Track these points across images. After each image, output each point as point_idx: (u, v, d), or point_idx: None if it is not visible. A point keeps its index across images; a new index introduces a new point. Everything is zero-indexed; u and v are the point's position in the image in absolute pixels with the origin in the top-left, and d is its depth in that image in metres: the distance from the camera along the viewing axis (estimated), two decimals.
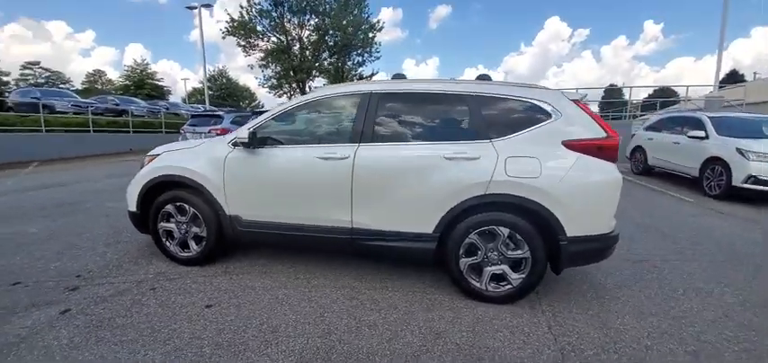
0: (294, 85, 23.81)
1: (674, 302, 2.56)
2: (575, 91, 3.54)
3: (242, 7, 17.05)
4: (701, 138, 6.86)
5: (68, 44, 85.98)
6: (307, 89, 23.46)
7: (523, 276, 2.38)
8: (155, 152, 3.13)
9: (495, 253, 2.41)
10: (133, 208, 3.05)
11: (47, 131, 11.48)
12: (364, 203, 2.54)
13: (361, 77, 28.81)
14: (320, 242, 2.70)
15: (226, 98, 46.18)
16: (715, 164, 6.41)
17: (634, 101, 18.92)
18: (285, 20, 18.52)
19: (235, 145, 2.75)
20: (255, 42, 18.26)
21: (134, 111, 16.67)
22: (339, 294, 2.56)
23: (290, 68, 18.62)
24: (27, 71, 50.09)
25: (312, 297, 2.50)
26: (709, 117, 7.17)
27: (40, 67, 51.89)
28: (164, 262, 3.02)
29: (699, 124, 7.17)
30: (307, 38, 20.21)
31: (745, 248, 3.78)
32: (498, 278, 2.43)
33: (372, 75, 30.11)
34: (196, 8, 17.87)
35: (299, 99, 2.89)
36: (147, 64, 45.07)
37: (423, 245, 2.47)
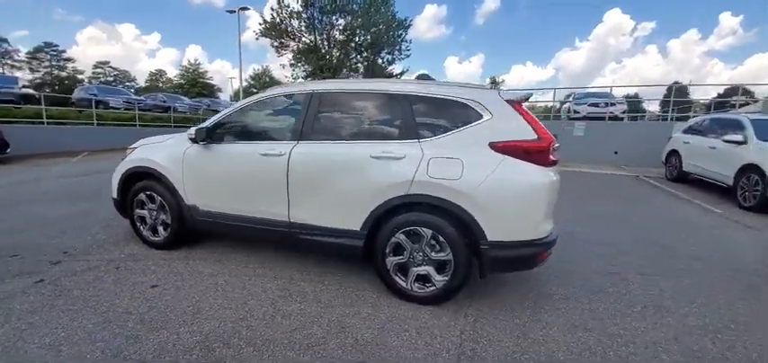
0: None
1: (621, 318, 2.36)
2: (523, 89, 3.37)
3: (273, 10, 18.00)
4: (739, 143, 6.09)
5: (136, 45, 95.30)
6: None
7: (446, 279, 2.34)
8: (134, 145, 3.47)
9: (421, 254, 2.39)
10: (115, 195, 3.42)
11: (98, 125, 13.00)
12: (300, 199, 2.64)
13: (390, 75, 28.95)
14: (264, 234, 2.85)
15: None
16: (751, 173, 5.66)
17: (702, 102, 17.01)
18: (315, 20, 19.14)
19: (191, 140, 2.99)
20: (287, 43, 19.08)
21: (178, 108, 18.21)
22: (274, 284, 2.69)
23: (319, 67, 19.21)
24: (98, 70, 56.40)
25: (247, 286, 2.65)
26: (750, 119, 6.33)
27: (110, 67, 58.08)
28: (137, 245, 3.35)
29: (738, 126, 6.36)
30: (336, 37, 20.69)
31: (752, 266, 3.35)
32: (424, 278, 2.41)
33: (402, 73, 30.10)
34: (235, 12, 19.09)
35: (251, 98, 3.06)
36: (199, 64, 48.83)
37: (351, 242, 2.52)
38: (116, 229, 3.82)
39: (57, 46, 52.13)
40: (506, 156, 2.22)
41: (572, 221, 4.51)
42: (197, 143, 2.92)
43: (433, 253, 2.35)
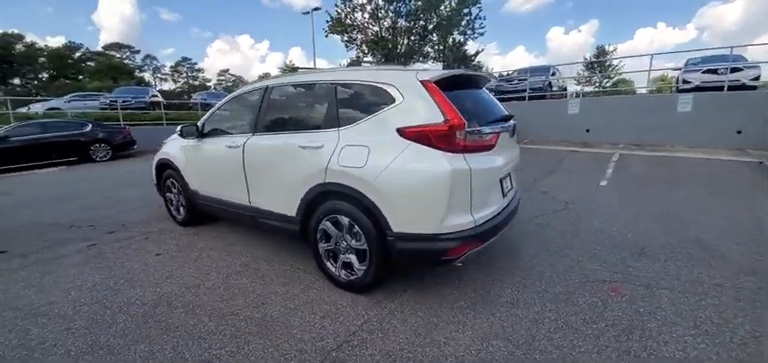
0: None
1: (563, 335, 2.01)
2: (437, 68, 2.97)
3: (337, 6, 18.92)
4: None
5: (251, 53, 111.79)
6: None
7: (364, 267, 2.34)
8: (166, 140, 4.27)
9: (344, 242, 2.43)
10: (154, 180, 4.29)
11: None
12: (255, 186, 2.93)
13: (464, 57, 27.58)
14: (236, 216, 3.25)
15: None
16: None
17: None
18: (379, 10, 19.41)
19: (180, 135, 3.55)
20: (355, 36, 19.89)
21: None
22: (239, 260, 3.06)
23: (386, 57, 19.51)
24: (221, 77, 67.56)
25: (218, 260, 3.08)
26: None
27: (229, 73, 68.99)
28: (168, 222, 4.15)
29: None
30: (400, 25, 20.63)
31: None
32: (349, 266, 2.45)
33: (477, 53, 28.34)
34: (309, 13, 20.75)
35: (228, 96, 3.46)
36: (294, 65, 54.41)
37: (291, 226, 2.70)
38: (163, 209, 4.77)
39: (191, 59, 64.20)
40: (411, 142, 2.08)
41: (604, 212, 3.82)
42: (183, 137, 3.48)
43: (353, 242, 2.37)
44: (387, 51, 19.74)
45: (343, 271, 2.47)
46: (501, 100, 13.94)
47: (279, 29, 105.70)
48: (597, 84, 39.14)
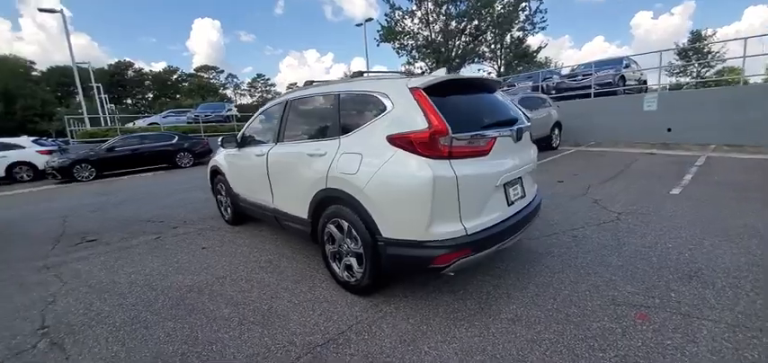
0: None
1: (560, 358, 1.85)
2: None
3: (387, 15, 19.24)
4: None
5: (317, 66, 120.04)
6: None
7: (362, 270, 2.42)
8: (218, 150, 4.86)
9: (345, 245, 2.54)
10: (209, 184, 4.90)
11: None
12: (277, 191, 3.21)
13: (524, 55, 25.92)
14: (265, 217, 3.58)
15: None
16: None
17: None
18: (429, 14, 19.29)
19: (222, 146, 4.01)
20: (406, 43, 20.03)
21: None
22: (265, 258, 3.35)
23: (437, 61, 19.28)
24: (289, 90, 73.30)
25: (248, 255, 3.43)
26: None
27: (297, 86, 74.72)
28: (220, 221, 4.71)
29: None
30: (452, 27, 20.20)
31: None
32: (350, 268, 2.55)
33: (539, 49, 26.44)
34: (361, 25, 21.53)
35: (259, 110, 3.82)
36: (351, 72, 56.91)
37: (304, 228, 2.90)
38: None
39: (264, 75, 70.85)
40: (398, 149, 2.11)
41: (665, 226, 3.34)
42: (225, 148, 3.93)
43: (352, 245, 2.46)
44: (438, 55, 19.55)
45: (346, 273, 2.57)
46: (561, 98, 12.87)
47: (341, 41, 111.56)
48: (694, 75, 33.60)
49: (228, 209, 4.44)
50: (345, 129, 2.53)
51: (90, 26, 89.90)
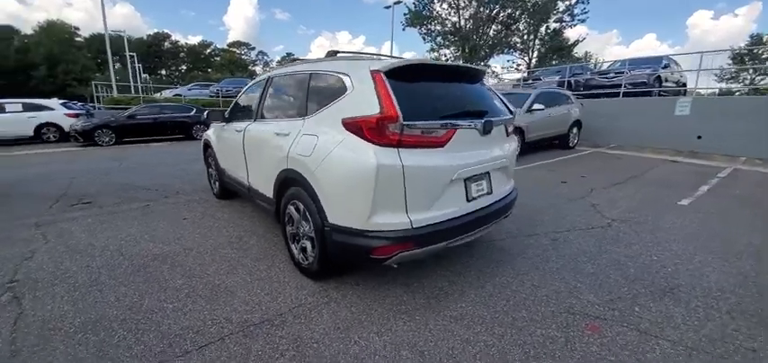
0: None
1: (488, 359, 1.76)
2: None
3: None
4: None
5: (348, 48, 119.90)
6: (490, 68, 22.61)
7: (313, 255, 2.39)
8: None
9: (302, 228, 2.52)
10: (203, 157, 5.01)
11: None
12: (251, 168, 3.23)
13: (560, 47, 24.70)
14: (242, 193, 3.61)
15: None
16: None
17: None
18: (460, 0, 18.60)
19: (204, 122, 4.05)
20: (433, 28, 19.48)
21: None
22: (236, 233, 3.40)
23: (463, 49, 18.68)
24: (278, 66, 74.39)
25: (223, 229, 3.48)
26: None
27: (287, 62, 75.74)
28: (210, 194, 4.82)
29: None
30: (482, 14, 19.41)
31: None
32: (305, 250, 2.53)
33: (576, 42, 25.11)
34: (390, 7, 21.10)
35: (245, 87, 3.81)
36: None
37: (270, 207, 2.90)
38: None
39: (293, 55, 71.69)
40: (349, 134, 2.04)
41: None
42: (211, 121, 3.97)
43: (307, 228, 2.43)
44: (464, 42, 18.92)
45: (301, 255, 2.55)
46: (589, 96, 12.19)
47: (375, 23, 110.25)
48: (747, 82, 30.98)
49: (216, 183, 4.53)
50: (310, 109, 2.48)
51: None
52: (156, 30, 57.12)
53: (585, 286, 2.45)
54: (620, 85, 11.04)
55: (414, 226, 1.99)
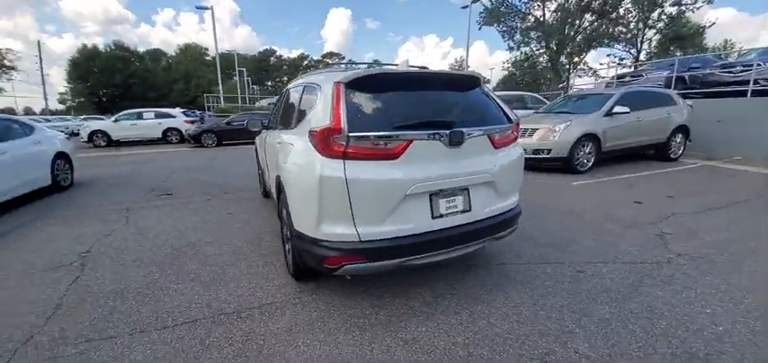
0: (567, 62, 21.12)
1: None
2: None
3: None
4: None
5: (435, 51, 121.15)
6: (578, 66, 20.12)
7: (290, 257, 2.54)
8: None
9: (287, 231, 2.69)
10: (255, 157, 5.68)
11: None
12: (268, 172, 3.58)
13: (678, 36, 20.44)
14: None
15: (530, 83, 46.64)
16: None
17: None
18: None
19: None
20: (513, 24, 18.01)
21: None
22: (258, 232, 3.78)
23: (547, 45, 16.84)
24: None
25: (251, 226, 3.92)
26: None
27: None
28: (259, 193, 5.43)
29: None
30: (570, 4, 17.19)
31: None
32: (288, 253, 2.69)
33: (701, 30, 20.48)
34: (467, 6, 20.44)
35: (276, 97, 4.20)
36: (463, 59, 54.82)
37: (277, 208, 3.18)
38: None
39: (378, 61, 75.22)
40: (309, 144, 2.12)
41: None
42: (251, 128, 4.49)
43: (287, 232, 2.59)
44: (549, 38, 17.09)
45: (289, 256, 2.73)
46: (709, 95, 9.79)
47: (462, 25, 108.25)
48: None
49: (261, 183, 5.10)
50: (297, 120, 2.65)
51: (253, 17, 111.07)
52: (265, 47, 66.51)
53: (584, 333, 2.04)
54: (748, 82, 8.61)
55: (362, 239, 1.97)
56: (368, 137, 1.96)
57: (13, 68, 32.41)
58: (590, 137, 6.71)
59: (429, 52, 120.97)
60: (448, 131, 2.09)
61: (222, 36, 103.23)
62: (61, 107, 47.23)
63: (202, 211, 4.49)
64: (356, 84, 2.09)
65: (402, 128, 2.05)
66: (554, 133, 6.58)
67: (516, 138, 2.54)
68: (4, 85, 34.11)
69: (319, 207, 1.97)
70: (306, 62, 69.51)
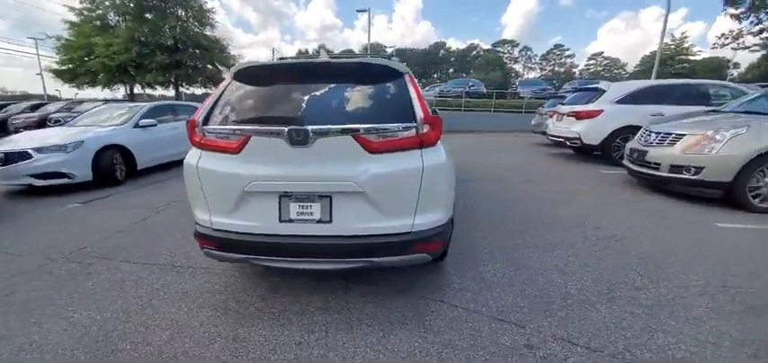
0: None
1: None
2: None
3: None
4: None
5: (654, 27, 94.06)
6: None
7: None
8: None
9: None
10: None
11: (494, 111, 17.04)
12: None
13: None
14: None
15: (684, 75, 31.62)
16: None
17: None
18: None
19: None
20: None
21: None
22: None
23: None
24: (590, 61, 63.94)
25: None
26: None
27: (602, 57, 63.89)
28: None
29: None
30: None
31: None
32: None
33: None
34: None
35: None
36: (685, 38, 40.19)
37: None
38: None
39: (563, 45, 65.34)
40: None
41: None
42: None
43: None
44: None
45: None
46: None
47: None
48: None
49: None
50: None
51: (433, 13, 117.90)
52: (436, 41, 69.40)
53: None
54: None
55: (213, 227, 2.11)
56: (213, 130, 2.06)
57: None
58: None
59: (645, 28, 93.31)
60: (287, 129, 1.91)
61: (405, 32, 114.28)
62: None
63: None
64: (240, 75, 2.21)
65: (244, 122, 2.04)
66: (713, 144, 4.23)
67: (421, 143, 1.98)
68: None
69: (189, 190, 2.21)
70: (474, 52, 68.14)
